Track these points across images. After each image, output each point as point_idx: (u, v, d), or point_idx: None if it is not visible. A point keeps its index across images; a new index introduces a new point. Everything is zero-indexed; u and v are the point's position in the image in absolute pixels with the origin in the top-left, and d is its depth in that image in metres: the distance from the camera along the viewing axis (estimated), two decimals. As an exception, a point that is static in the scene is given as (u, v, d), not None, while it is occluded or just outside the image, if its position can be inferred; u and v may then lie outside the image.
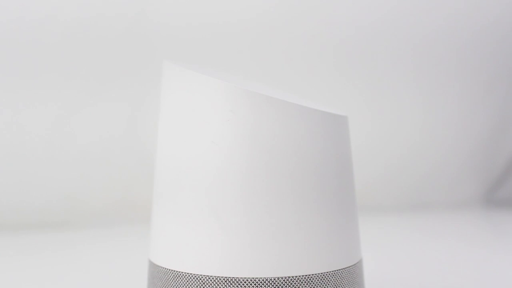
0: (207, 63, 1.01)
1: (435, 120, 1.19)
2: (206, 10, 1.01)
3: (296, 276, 0.32)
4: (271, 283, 0.32)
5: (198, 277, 0.32)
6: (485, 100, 1.21)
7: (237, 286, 0.32)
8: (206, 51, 1.02)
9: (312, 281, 0.32)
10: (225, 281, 0.32)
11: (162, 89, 0.37)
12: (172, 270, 0.34)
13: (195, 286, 0.32)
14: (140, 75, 0.99)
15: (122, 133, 0.99)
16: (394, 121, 1.16)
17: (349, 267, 0.35)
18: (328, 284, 0.33)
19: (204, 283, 0.32)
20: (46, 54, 0.94)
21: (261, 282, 0.32)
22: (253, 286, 0.32)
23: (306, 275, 0.32)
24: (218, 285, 0.32)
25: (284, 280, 0.32)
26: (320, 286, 0.33)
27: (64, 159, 0.95)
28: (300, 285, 0.32)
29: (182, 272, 0.33)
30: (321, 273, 0.33)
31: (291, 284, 0.32)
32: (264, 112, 0.33)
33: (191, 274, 0.33)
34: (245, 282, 0.32)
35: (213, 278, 0.32)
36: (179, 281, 0.33)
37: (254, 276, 0.32)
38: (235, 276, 0.32)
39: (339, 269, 0.34)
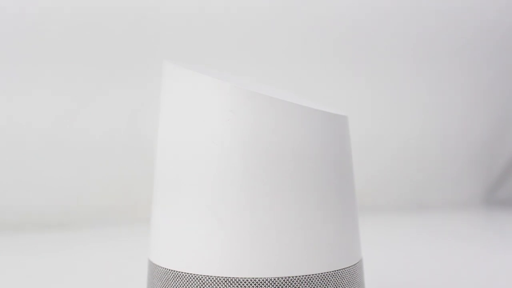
0: (207, 60, 1.01)
1: (435, 120, 1.18)
2: (206, 7, 1.01)
3: (296, 276, 0.32)
4: (271, 283, 0.32)
5: (198, 277, 0.32)
6: (486, 100, 1.21)
7: (237, 286, 0.32)
8: (206, 48, 1.02)
9: (312, 281, 0.32)
10: (225, 281, 0.32)
11: (162, 89, 0.37)
12: (171, 270, 0.34)
13: (195, 286, 0.32)
14: (141, 75, 0.98)
15: (122, 133, 0.99)
16: (394, 121, 1.16)
17: (349, 267, 0.35)
18: (328, 284, 0.33)
19: (204, 283, 0.32)
20: (45, 54, 0.93)
21: (261, 282, 0.32)
22: (253, 286, 0.32)
23: (306, 275, 0.32)
24: (218, 285, 0.32)
25: (284, 280, 0.32)
26: (320, 286, 0.33)
27: (64, 159, 0.95)
28: (300, 285, 0.32)
29: (182, 272, 0.33)
30: (321, 273, 0.33)
31: (291, 284, 0.32)
32: (264, 112, 0.32)
33: (191, 274, 0.33)
34: (245, 282, 0.32)
35: (213, 278, 0.32)
36: (178, 281, 0.33)
37: (254, 276, 0.32)
38: (235, 276, 0.32)
39: (339, 269, 0.34)
